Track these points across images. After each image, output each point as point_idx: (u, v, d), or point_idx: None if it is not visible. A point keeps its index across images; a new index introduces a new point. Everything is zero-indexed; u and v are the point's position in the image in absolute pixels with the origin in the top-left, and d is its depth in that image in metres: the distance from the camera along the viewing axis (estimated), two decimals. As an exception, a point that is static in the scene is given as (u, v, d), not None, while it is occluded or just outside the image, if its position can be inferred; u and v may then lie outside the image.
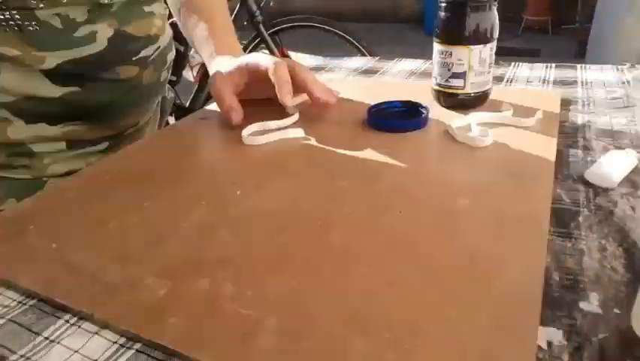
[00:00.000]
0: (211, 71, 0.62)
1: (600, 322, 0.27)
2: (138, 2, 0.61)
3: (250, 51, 2.11)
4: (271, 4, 2.00)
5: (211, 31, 0.66)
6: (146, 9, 0.62)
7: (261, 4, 1.93)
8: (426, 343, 0.26)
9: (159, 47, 0.65)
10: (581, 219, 0.36)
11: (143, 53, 0.62)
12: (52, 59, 0.53)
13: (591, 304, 0.28)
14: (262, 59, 0.57)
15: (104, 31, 0.57)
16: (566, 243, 0.34)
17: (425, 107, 0.55)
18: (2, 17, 0.50)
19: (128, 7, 0.59)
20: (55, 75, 0.54)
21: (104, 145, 0.65)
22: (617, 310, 0.28)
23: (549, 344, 0.26)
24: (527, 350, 0.25)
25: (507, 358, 0.24)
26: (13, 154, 0.58)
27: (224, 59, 0.61)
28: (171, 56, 0.71)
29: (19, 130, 0.56)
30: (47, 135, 0.58)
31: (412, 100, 0.58)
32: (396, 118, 0.55)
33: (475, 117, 0.53)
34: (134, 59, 0.61)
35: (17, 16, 0.50)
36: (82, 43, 0.55)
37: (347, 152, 0.49)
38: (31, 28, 0.51)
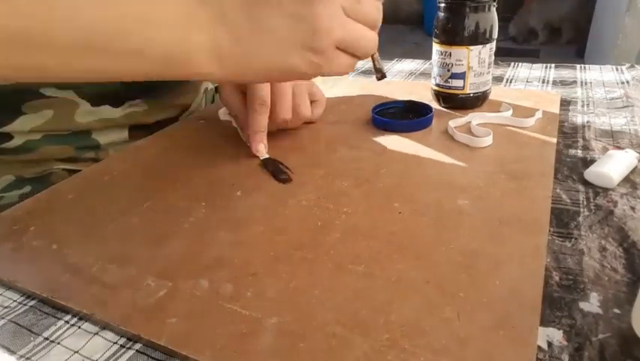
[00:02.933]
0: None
1: (600, 322, 0.27)
2: None
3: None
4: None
5: None
6: None
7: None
8: (426, 343, 0.26)
9: None
10: (580, 219, 0.36)
11: None
12: None
13: (591, 304, 0.28)
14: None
15: None
16: (565, 243, 0.34)
17: (429, 107, 0.55)
18: None
19: None
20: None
21: (165, 129, 0.63)
22: (617, 310, 0.28)
23: (549, 344, 0.26)
24: (527, 350, 0.25)
25: (507, 358, 0.24)
26: (81, 148, 0.58)
27: None
28: None
29: (85, 114, 0.56)
30: (111, 118, 0.58)
31: (415, 100, 0.58)
32: (400, 118, 0.55)
33: (475, 117, 0.53)
34: None
35: None
36: None
37: (346, 152, 0.49)
38: None
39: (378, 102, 0.58)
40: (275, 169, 0.45)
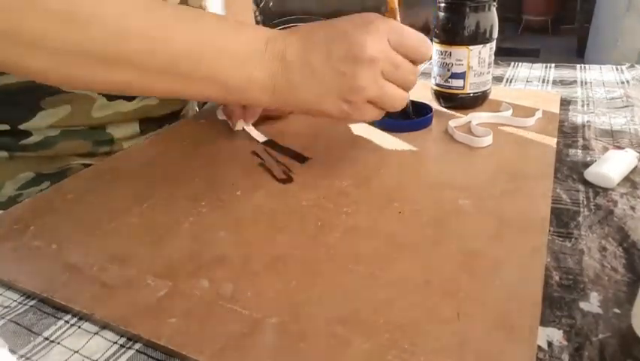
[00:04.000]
0: None
1: (600, 322, 0.27)
2: None
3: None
4: (271, 4, 2.00)
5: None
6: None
7: (261, 5, 1.93)
8: (426, 343, 0.26)
9: None
10: (580, 219, 0.36)
11: None
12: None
13: (591, 304, 0.28)
14: None
15: None
16: (565, 243, 0.34)
17: (429, 107, 0.55)
18: None
19: None
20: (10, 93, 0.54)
21: (165, 129, 0.65)
22: (617, 310, 0.28)
23: (549, 344, 0.26)
24: (527, 350, 0.25)
25: (507, 358, 0.24)
26: (98, 143, 0.59)
27: None
28: None
29: (101, 109, 0.57)
30: (124, 112, 0.59)
31: (415, 100, 0.57)
32: (401, 118, 0.54)
33: (475, 117, 0.53)
34: None
35: None
36: None
37: (346, 152, 0.49)
38: None
39: None
40: (275, 162, 0.46)
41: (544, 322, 0.27)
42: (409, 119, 0.53)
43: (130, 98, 0.60)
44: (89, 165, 0.57)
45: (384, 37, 0.38)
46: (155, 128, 0.64)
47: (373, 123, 0.55)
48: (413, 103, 0.57)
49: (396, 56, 0.39)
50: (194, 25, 0.36)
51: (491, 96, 0.58)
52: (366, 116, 0.40)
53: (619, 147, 0.47)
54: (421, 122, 0.53)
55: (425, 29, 0.43)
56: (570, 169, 0.44)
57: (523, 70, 0.75)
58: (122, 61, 0.34)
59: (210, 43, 0.37)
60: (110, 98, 0.58)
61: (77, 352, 0.28)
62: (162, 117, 0.64)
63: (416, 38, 0.40)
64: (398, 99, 0.40)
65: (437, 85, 0.58)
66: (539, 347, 0.26)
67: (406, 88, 0.41)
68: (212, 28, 0.37)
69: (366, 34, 0.37)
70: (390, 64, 0.38)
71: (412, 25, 0.40)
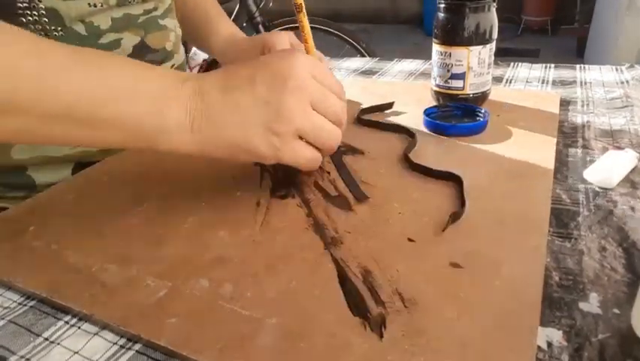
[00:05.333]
0: (219, 45, 0.70)
1: (600, 322, 0.27)
2: (154, 15, 0.61)
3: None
4: (270, 4, 2.00)
5: (213, 14, 0.72)
6: (160, 22, 0.62)
7: (261, 5, 1.93)
8: (426, 343, 0.26)
9: (174, 64, 0.66)
10: (580, 219, 0.36)
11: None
12: None
13: (591, 304, 0.28)
14: (279, 40, 0.61)
15: (129, 39, 0.57)
16: (565, 243, 0.34)
17: (482, 110, 0.53)
18: (31, 19, 0.49)
19: (149, 19, 0.60)
20: None
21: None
22: (617, 311, 0.28)
23: (549, 344, 0.26)
24: (527, 350, 0.25)
25: (507, 358, 0.24)
26: (9, 186, 0.53)
27: (239, 35, 0.67)
28: None
29: (23, 151, 0.52)
30: (56, 156, 0.53)
31: (466, 103, 0.56)
32: (454, 121, 0.53)
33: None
34: None
35: (45, 19, 0.50)
36: (107, 49, 0.54)
37: (345, 152, 0.49)
38: (57, 34, 0.51)
39: (374, 103, 0.58)
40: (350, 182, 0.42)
41: (544, 322, 0.27)
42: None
43: None
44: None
45: (307, 68, 0.36)
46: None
47: (426, 126, 0.52)
48: (464, 106, 0.55)
49: (322, 87, 0.37)
50: (95, 67, 0.34)
51: (491, 97, 0.58)
52: (298, 154, 0.36)
53: (619, 147, 0.47)
54: (478, 125, 0.51)
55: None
56: (570, 169, 0.44)
57: (522, 70, 0.75)
58: (13, 108, 0.32)
59: (116, 85, 0.34)
60: None
61: (77, 353, 0.28)
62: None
63: (334, 77, 0.39)
64: (329, 133, 0.37)
65: (437, 85, 0.58)
66: (539, 348, 0.26)
67: (336, 121, 0.38)
68: (119, 69, 0.35)
69: (290, 63, 0.36)
70: (319, 93, 0.36)
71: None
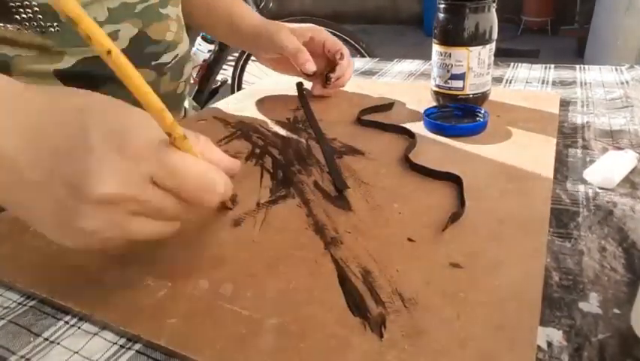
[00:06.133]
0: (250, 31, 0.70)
1: (600, 322, 0.27)
2: (154, 4, 0.61)
3: (248, 55, 2.11)
4: (270, 5, 2.00)
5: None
6: (162, 11, 0.62)
7: (261, 5, 1.93)
8: (426, 343, 0.26)
9: (177, 55, 0.65)
10: (580, 219, 0.36)
11: (162, 59, 0.61)
12: (70, 57, 0.52)
13: (591, 304, 0.28)
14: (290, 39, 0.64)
15: (127, 30, 0.56)
16: (565, 243, 0.34)
17: (483, 111, 0.53)
18: (25, 17, 0.49)
19: (147, 8, 0.59)
20: (68, 78, 0.53)
21: None
22: (617, 311, 0.28)
23: (549, 344, 0.26)
24: (527, 350, 0.25)
25: (507, 358, 0.24)
26: None
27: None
28: (189, 68, 0.70)
29: None
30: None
31: (466, 104, 0.56)
32: (454, 122, 0.53)
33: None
34: (153, 63, 0.60)
35: (39, 16, 0.49)
36: None
37: (345, 153, 0.49)
38: (53, 30, 0.50)
39: (374, 104, 0.58)
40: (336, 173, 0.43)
41: (544, 322, 0.27)
42: (461, 122, 0.50)
43: None
44: None
45: (140, 169, 0.27)
46: None
47: (426, 127, 0.53)
48: (464, 106, 0.55)
49: (154, 195, 0.27)
50: None
51: (491, 97, 0.58)
52: (138, 231, 0.28)
53: (619, 148, 0.47)
54: (477, 126, 0.51)
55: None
56: (570, 170, 0.44)
57: (522, 71, 0.75)
58: None
59: None
60: None
61: (77, 352, 0.28)
62: None
63: (198, 184, 0.29)
64: (156, 231, 0.29)
65: (437, 86, 0.58)
66: (539, 348, 0.26)
67: (169, 217, 0.29)
68: None
69: (111, 160, 0.26)
70: (139, 206, 0.27)
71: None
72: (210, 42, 2.01)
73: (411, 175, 0.44)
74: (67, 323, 0.30)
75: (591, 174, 0.41)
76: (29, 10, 0.49)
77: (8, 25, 0.49)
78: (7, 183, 0.27)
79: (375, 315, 0.28)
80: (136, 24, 0.57)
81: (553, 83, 0.68)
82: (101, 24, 0.54)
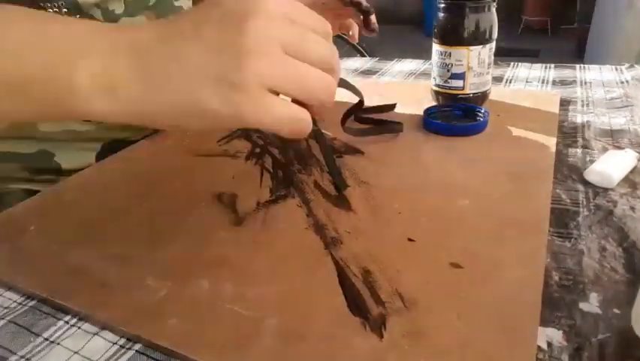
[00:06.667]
0: None
1: (600, 322, 0.27)
2: None
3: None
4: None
5: None
6: (175, 3, 0.62)
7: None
8: (426, 343, 0.26)
9: None
10: (580, 219, 0.36)
11: None
12: None
13: (591, 304, 0.28)
14: None
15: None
16: (565, 243, 0.34)
17: (484, 110, 0.53)
18: (51, 11, 0.49)
19: (162, 1, 0.59)
20: None
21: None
22: (617, 311, 0.28)
23: (549, 344, 0.26)
24: (527, 350, 0.25)
25: (507, 359, 0.24)
26: (36, 170, 0.55)
27: None
28: None
29: (49, 123, 0.53)
30: (80, 131, 0.54)
31: (466, 103, 0.56)
32: (454, 121, 0.53)
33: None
34: None
35: (65, 9, 0.50)
36: None
37: (345, 153, 0.49)
38: None
39: (374, 103, 0.58)
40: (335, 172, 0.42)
41: (544, 322, 0.27)
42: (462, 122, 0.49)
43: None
44: (32, 190, 0.54)
45: (272, 3, 0.27)
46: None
47: (425, 127, 0.53)
48: (464, 106, 0.55)
49: (299, 26, 0.28)
50: None
51: (491, 97, 0.58)
52: (273, 112, 0.27)
53: (619, 147, 0.47)
54: (477, 125, 0.51)
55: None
56: (570, 169, 0.44)
57: (522, 70, 0.75)
58: None
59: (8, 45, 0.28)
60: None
61: (77, 353, 0.28)
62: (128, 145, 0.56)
63: (316, 16, 0.29)
64: (317, 82, 0.28)
65: (437, 85, 0.58)
66: (539, 348, 0.26)
67: (327, 69, 0.28)
68: (17, 24, 0.29)
69: (248, 3, 0.27)
70: (294, 34, 0.27)
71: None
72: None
73: (411, 175, 0.44)
74: (67, 322, 0.30)
75: (591, 173, 0.41)
76: (56, 4, 0.49)
77: None
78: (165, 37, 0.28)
79: (375, 315, 0.28)
80: (150, 17, 0.58)
81: (554, 83, 0.68)
82: (118, 17, 0.55)
